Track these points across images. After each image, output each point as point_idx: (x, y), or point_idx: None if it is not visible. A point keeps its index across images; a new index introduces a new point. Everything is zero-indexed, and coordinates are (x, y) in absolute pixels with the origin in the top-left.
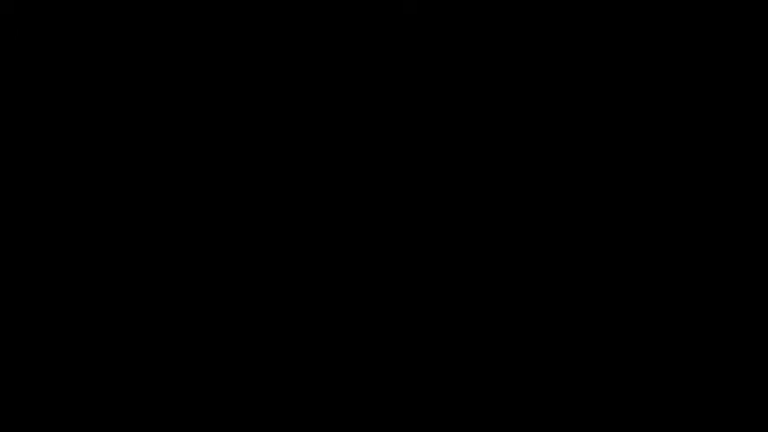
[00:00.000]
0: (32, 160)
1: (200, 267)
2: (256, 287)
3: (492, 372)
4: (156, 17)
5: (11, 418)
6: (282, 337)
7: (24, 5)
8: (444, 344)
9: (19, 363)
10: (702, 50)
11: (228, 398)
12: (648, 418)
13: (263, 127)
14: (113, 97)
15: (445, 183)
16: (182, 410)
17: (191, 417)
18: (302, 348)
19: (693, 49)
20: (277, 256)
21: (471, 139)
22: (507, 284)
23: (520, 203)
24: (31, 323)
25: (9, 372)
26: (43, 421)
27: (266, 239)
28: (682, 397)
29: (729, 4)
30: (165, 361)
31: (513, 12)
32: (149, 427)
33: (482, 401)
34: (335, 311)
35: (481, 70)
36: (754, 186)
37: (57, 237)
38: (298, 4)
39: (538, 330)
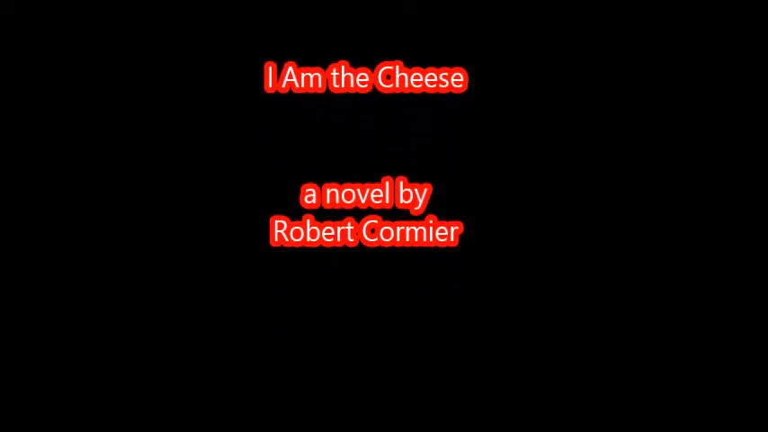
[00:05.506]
0: (32, 160)
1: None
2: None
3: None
4: (153, 20)
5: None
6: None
7: (24, 9)
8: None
9: None
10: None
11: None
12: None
13: (260, 126)
14: (112, 98)
15: (444, 182)
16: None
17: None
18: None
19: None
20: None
21: (472, 139)
22: (506, 282)
23: (519, 203)
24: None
25: None
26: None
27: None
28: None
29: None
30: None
31: (513, 15)
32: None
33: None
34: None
35: (481, 72)
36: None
37: (56, 234)
38: (299, 6)
39: (535, 329)
